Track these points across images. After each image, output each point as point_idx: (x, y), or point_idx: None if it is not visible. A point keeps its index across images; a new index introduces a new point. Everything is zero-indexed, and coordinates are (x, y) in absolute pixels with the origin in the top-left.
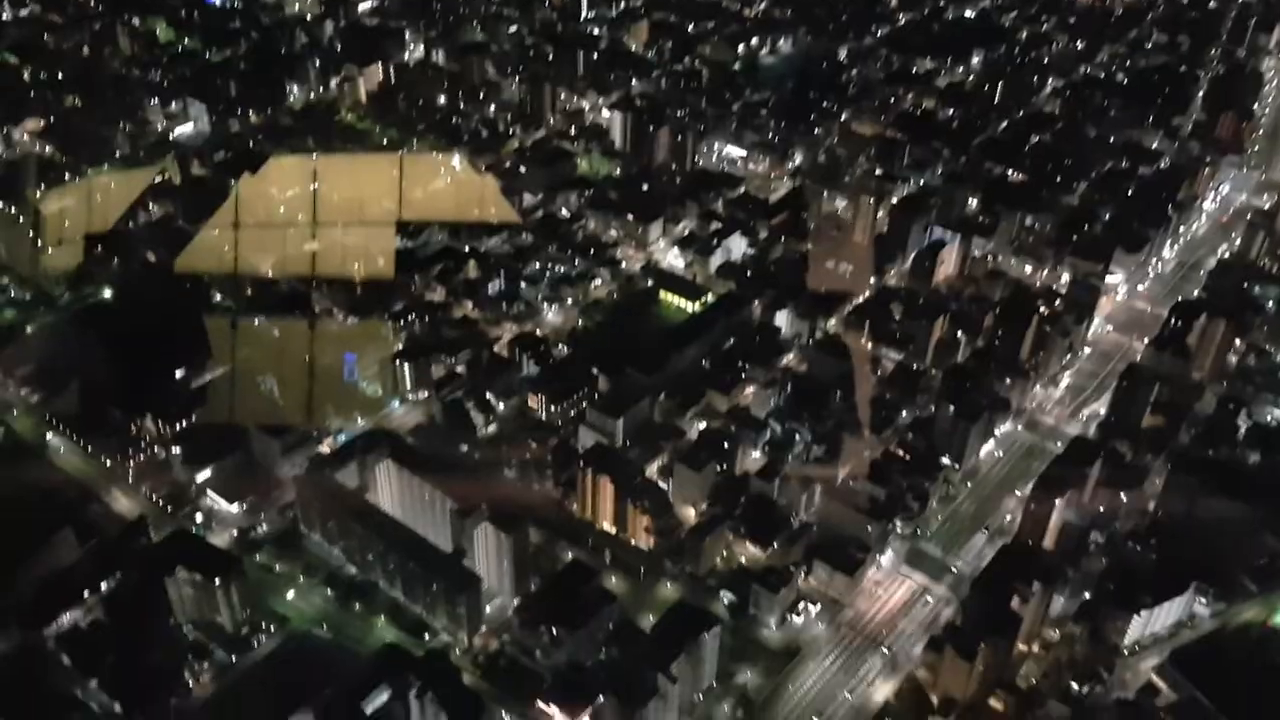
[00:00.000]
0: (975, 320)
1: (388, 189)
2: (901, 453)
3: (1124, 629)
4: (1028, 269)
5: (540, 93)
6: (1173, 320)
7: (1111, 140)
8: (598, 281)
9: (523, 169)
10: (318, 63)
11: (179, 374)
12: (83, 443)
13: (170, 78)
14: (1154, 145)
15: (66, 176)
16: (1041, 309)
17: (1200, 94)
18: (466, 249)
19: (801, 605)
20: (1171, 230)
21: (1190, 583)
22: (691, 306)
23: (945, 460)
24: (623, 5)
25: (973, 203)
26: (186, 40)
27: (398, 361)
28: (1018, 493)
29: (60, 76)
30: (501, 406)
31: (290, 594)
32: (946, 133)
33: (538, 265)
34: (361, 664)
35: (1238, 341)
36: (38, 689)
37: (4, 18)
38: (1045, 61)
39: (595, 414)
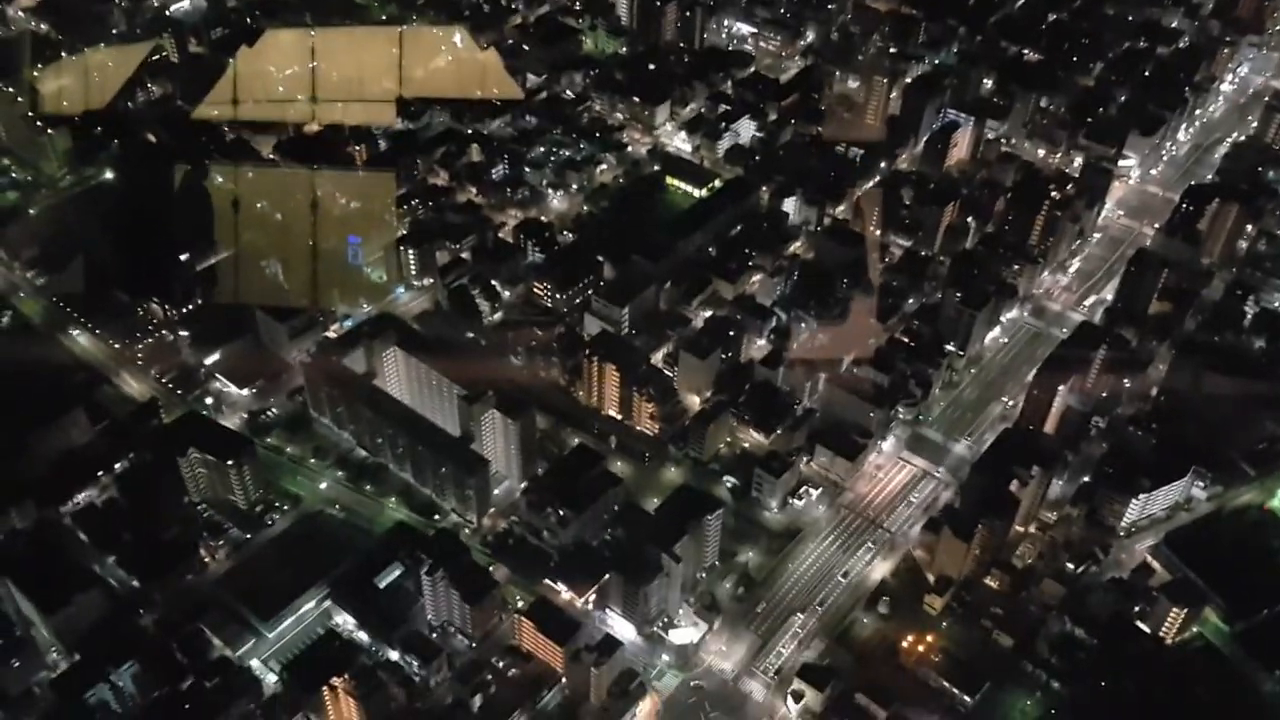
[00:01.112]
0: (985, 205)
1: (387, 66)
2: (906, 339)
3: (1121, 512)
4: (1040, 152)
5: None
6: (1184, 205)
7: (1130, 19)
8: (603, 166)
9: (526, 46)
10: None
11: (184, 257)
12: (90, 325)
13: None
14: (1173, 24)
15: (63, 54)
16: (1053, 193)
17: None
18: (469, 131)
19: (803, 489)
20: (1187, 113)
21: (1189, 466)
22: (699, 192)
23: (950, 347)
24: None
25: (987, 83)
26: None
27: (402, 247)
28: (1022, 379)
29: None
30: (507, 293)
31: (302, 475)
32: (962, 9)
33: (542, 149)
34: (373, 542)
35: (1249, 227)
36: (56, 563)
37: None
38: None
39: (601, 301)
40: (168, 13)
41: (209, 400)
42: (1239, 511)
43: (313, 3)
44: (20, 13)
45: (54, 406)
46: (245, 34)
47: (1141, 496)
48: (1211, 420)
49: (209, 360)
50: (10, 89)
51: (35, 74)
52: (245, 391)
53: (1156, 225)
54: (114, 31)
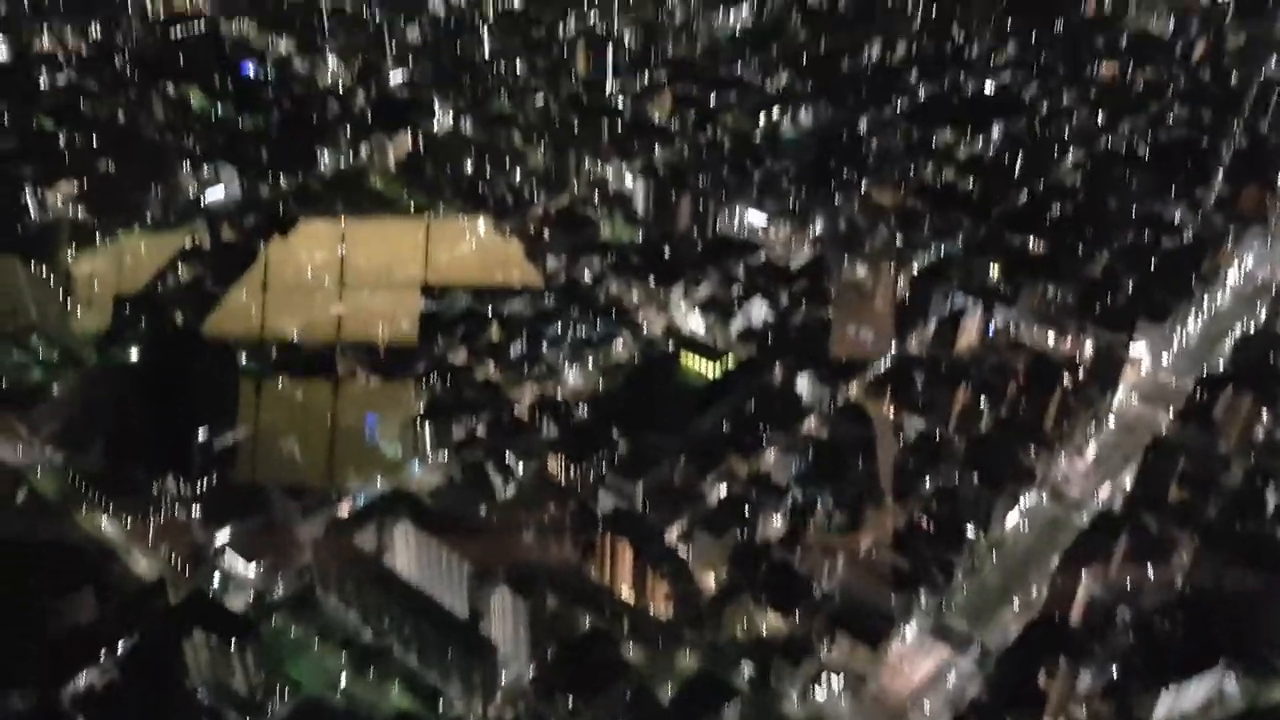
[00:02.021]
0: (999, 389)
1: (414, 253)
2: (926, 522)
3: (1152, 706)
4: (1050, 338)
5: (565, 160)
6: (1198, 393)
7: (1133, 212)
8: (619, 344)
9: (546, 234)
10: (348, 131)
11: (202, 434)
12: (105, 502)
13: (203, 144)
14: (1176, 217)
15: (98, 239)
16: (1065, 379)
17: (1223, 166)
18: (489, 311)
19: (824, 677)
20: (1196, 302)
21: (1219, 660)
22: (712, 370)
23: (970, 531)
24: (647, 77)
25: (994, 272)
26: (220, 108)
27: (419, 422)
28: (1044, 566)
29: (95, 142)
30: (521, 469)
31: (305, 659)
32: (967, 203)
33: (559, 328)
34: None
35: (1264, 415)
36: None
37: (43, 85)
38: (1066, 134)
39: (615, 477)
40: (202, 201)
41: (217, 579)
42: (1273, 709)
43: (344, 193)
44: (59, 199)
45: (63, 585)
46: (278, 222)
47: (1172, 691)
48: (1240, 612)
49: (219, 537)
50: (46, 272)
51: (70, 258)
52: (253, 570)
53: (1172, 411)
54: (149, 218)
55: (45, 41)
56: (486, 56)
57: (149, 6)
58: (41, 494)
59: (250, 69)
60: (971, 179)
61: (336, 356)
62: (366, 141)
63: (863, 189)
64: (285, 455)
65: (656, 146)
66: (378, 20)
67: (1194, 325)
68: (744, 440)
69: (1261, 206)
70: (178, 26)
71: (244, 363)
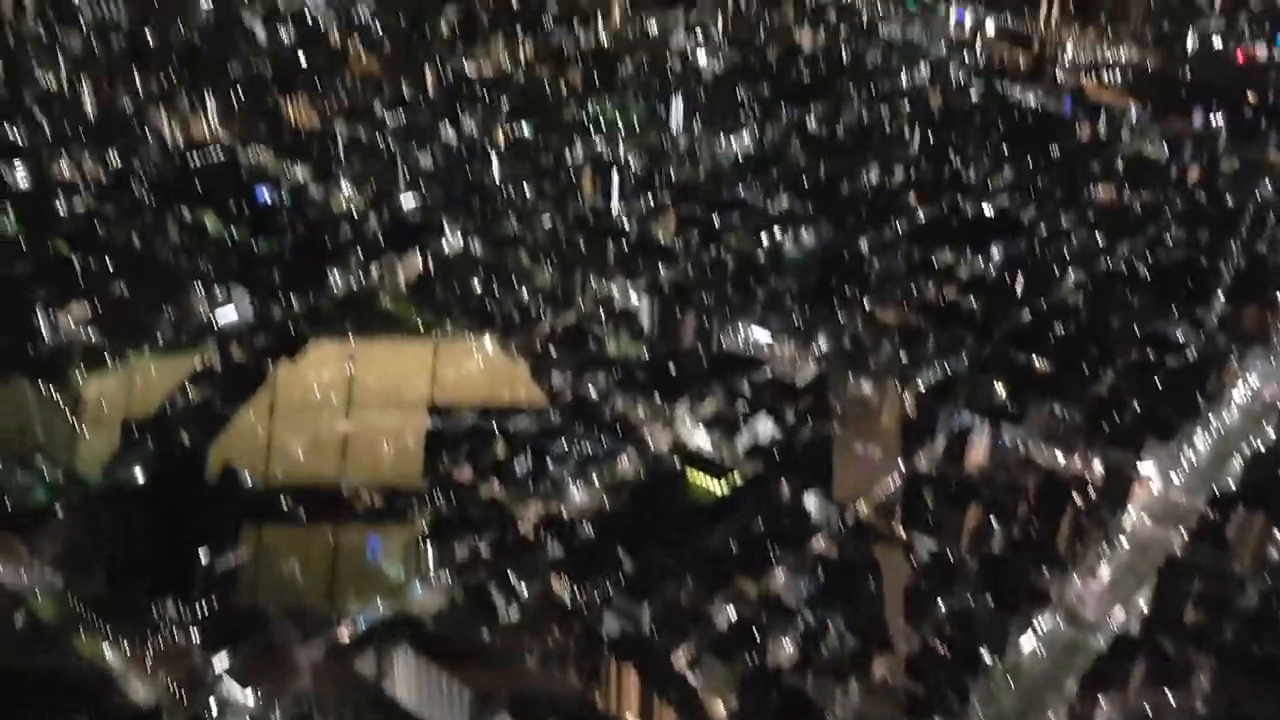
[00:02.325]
0: (1010, 508)
1: (421, 372)
2: (940, 646)
3: None
4: (1059, 457)
5: (571, 279)
6: (1210, 513)
7: (1136, 331)
8: (624, 461)
9: (552, 351)
10: (360, 253)
11: (204, 556)
12: (105, 627)
13: (216, 266)
14: (1180, 336)
15: (108, 361)
16: (1076, 498)
17: (1223, 286)
18: (495, 428)
19: None
20: (1203, 421)
21: None
22: (719, 487)
23: (985, 655)
24: (652, 200)
25: (1000, 390)
26: (234, 232)
27: (422, 542)
28: (1062, 691)
29: (109, 265)
30: (525, 590)
31: None
32: (970, 321)
33: (565, 444)
34: None
35: (1277, 535)
36: None
37: (61, 210)
38: (1066, 255)
39: (621, 598)
40: (214, 322)
41: (213, 706)
42: None
43: (355, 312)
44: (72, 321)
45: (57, 713)
46: (288, 342)
47: None
48: None
49: (218, 661)
50: (55, 394)
51: (80, 380)
52: (251, 697)
53: (1184, 531)
54: (161, 340)
55: (65, 169)
56: (496, 181)
57: (168, 135)
58: (40, 618)
59: (266, 194)
60: (974, 298)
61: (341, 476)
62: (377, 263)
63: (866, 307)
64: (286, 577)
65: (661, 265)
66: (391, 148)
67: (1202, 444)
68: (752, 560)
69: (1264, 325)
70: (196, 154)
71: (248, 483)
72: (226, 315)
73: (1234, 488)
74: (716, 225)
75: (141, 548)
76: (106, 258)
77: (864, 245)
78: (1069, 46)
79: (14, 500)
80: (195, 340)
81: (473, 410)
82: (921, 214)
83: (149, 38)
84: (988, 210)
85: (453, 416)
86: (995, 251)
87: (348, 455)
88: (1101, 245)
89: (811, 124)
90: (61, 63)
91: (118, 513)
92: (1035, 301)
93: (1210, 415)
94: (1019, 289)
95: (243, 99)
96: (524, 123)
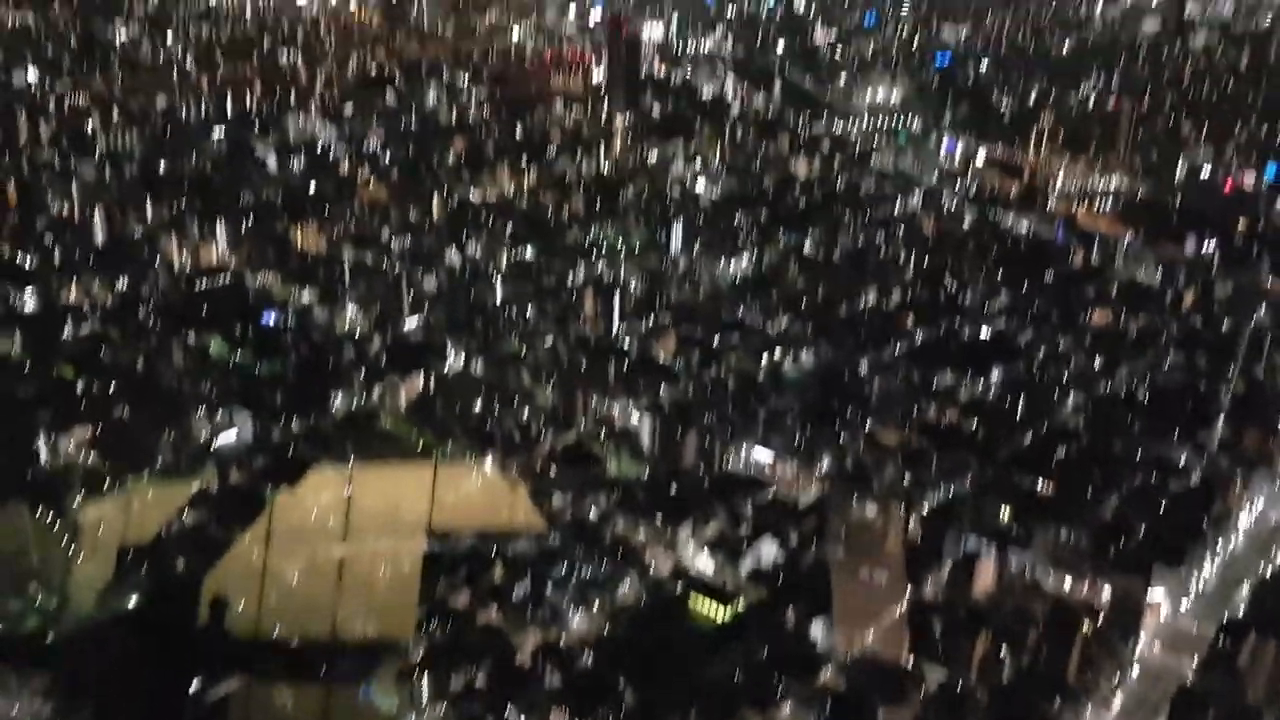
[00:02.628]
0: (1019, 636)
1: (420, 495)
2: None
3: None
4: (1067, 583)
5: (572, 399)
6: (1221, 640)
7: (1139, 455)
8: (626, 585)
9: (553, 471)
10: (362, 374)
11: (195, 685)
12: None
13: (219, 389)
14: (1182, 460)
15: (107, 486)
16: (1086, 625)
17: (1223, 411)
18: (494, 552)
19: None
20: (1210, 545)
21: None
22: (722, 614)
23: None
24: (652, 320)
25: (1005, 514)
26: (238, 355)
27: (416, 672)
28: None
29: (112, 389)
30: None
31: None
32: (972, 444)
33: (564, 568)
34: None
35: None
36: None
37: (66, 334)
38: (1064, 378)
39: None
40: (213, 446)
41: None
42: None
43: (355, 434)
44: (72, 445)
45: None
46: (287, 465)
47: None
48: None
49: None
50: (53, 519)
51: (78, 505)
52: None
53: (1196, 658)
54: (159, 464)
55: (73, 294)
56: (499, 302)
57: (177, 261)
58: None
59: (271, 318)
60: (975, 420)
61: (336, 602)
62: (379, 383)
63: (867, 428)
64: (278, 707)
65: (662, 385)
66: (396, 271)
67: (1210, 569)
68: (759, 691)
69: (1266, 450)
70: (203, 279)
71: (240, 609)
72: (227, 438)
73: (1244, 614)
74: (716, 345)
75: (133, 677)
76: (109, 381)
77: (863, 366)
78: (1059, 175)
79: (6, 628)
80: (195, 465)
81: (471, 534)
82: (919, 336)
83: (161, 167)
84: (985, 333)
85: (451, 540)
86: (994, 374)
87: (343, 580)
88: (1099, 369)
89: (808, 248)
90: (75, 191)
91: (110, 642)
92: (1036, 424)
93: (1217, 540)
94: (1019, 412)
95: (252, 225)
96: (527, 246)
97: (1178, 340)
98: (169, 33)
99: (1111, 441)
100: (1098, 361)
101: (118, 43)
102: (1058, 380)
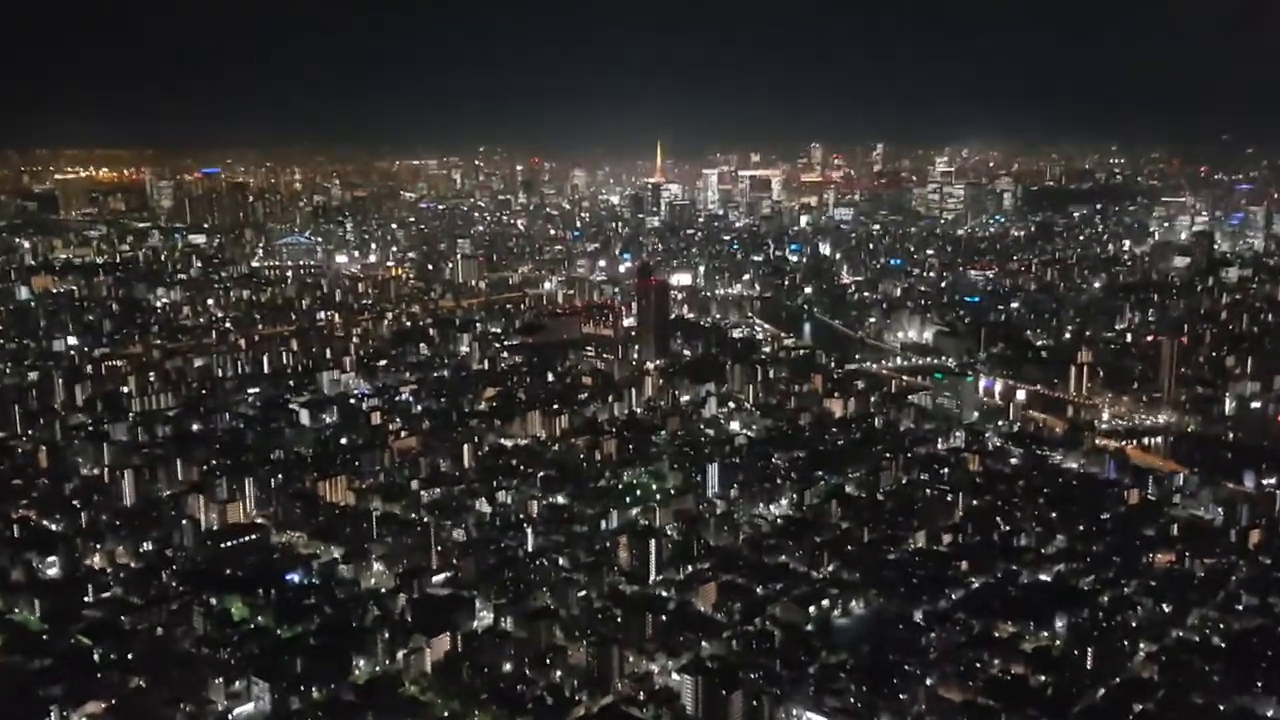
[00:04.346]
0: None
1: None
2: None
3: None
4: None
5: (608, 657)
6: None
7: (1221, 708)
8: None
9: None
10: (386, 635)
11: None
12: None
13: (238, 655)
14: (1269, 712)
15: None
16: None
17: None
18: None
19: None
20: None
21: None
22: None
23: None
24: (690, 568)
25: None
26: (260, 618)
27: None
28: None
29: (130, 657)
30: None
31: None
32: (1041, 700)
33: None
34: None
35: None
36: None
37: (86, 600)
38: (1133, 625)
39: None
40: (230, 717)
41: None
42: None
43: (376, 703)
44: None
45: None
46: None
47: None
48: None
49: None
50: None
51: None
52: None
53: None
54: None
55: (97, 559)
56: (529, 551)
57: (203, 520)
58: None
59: (296, 577)
60: (1042, 674)
61: None
62: (403, 644)
63: (927, 683)
64: None
65: (704, 639)
66: (424, 521)
67: None
68: None
69: None
70: (229, 540)
71: None
72: (244, 710)
73: None
74: (759, 593)
75: None
76: (127, 651)
77: (918, 615)
78: (1104, 411)
79: None
80: None
81: None
82: (975, 582)
83: (194, 426)
84: (1044, 578)
85: None
86: (1058, 622)
87: None
88: (1169, 614)
89: (850, 488)
90: (106, 453)
91: None
92: (1108, 677)
93: None
94: (1088, 663)
95: (280, 482)
96: (559, 494)
97: (1248, 581)
98: (209, 298)
99: (1190, 693)
100: (1165, 606)
101: (158, 306)
102: (1125, 627)
